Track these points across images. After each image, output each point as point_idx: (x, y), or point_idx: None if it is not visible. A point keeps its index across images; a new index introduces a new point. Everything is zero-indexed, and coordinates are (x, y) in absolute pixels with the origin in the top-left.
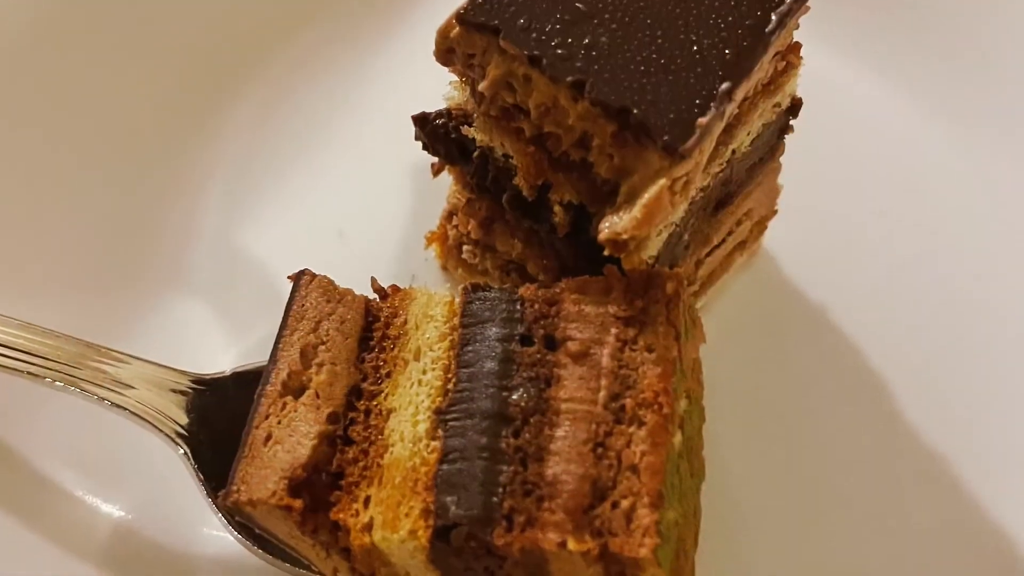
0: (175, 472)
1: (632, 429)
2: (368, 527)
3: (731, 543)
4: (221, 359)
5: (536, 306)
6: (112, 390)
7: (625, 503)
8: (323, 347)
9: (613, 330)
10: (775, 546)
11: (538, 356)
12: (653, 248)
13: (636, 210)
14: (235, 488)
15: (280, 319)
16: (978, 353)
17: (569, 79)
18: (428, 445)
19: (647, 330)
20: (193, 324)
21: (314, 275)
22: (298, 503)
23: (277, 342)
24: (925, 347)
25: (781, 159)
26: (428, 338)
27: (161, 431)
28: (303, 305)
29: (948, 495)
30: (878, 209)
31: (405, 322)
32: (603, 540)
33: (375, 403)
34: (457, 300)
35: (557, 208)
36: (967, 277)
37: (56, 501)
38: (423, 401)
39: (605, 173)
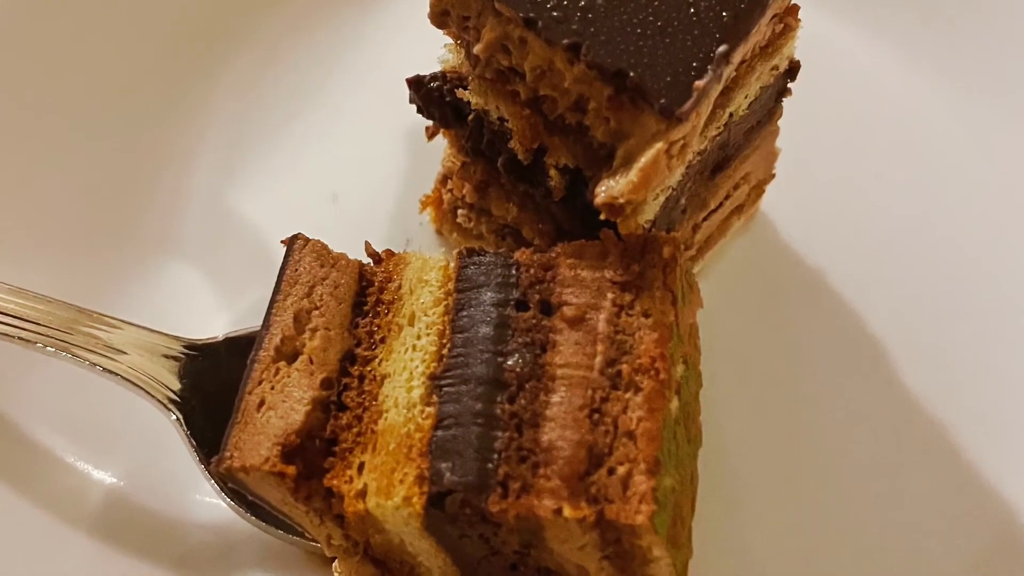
0: (167, 438)
1: (629, 395)
2: (362, 494)
3: (728, 509)
4: (214, 324)
5: (532, 271)
6: (104, 355)
7: (622, 469)
8: (317, 312)
9: (609, 295)
10: (772, 512)
11: (534, 321)
12: (650, 212)
13: (632, 174)
14: (228, 454)
15: (273, 284)
16: (976, 316)
17: (565, 42)
18: (423, 411)
19: (644, 295)
20: (185, 289)
21: (307, 239)
22: (291, 469)
23: (270, 307)
24: (923, 310)
25: (779, 123)
26: (423, 303)
27: (153, 397)
28: (296, 270)
29: (947, 461)
30: (876, 172)
31: (399, 287)
32: (599, 507)
33: (369, 368)
34: (452, 265)
35: (553, 172)
36: (965, 240)
37: (47, 467)
38: (418, 367)
39: (601, 136)
